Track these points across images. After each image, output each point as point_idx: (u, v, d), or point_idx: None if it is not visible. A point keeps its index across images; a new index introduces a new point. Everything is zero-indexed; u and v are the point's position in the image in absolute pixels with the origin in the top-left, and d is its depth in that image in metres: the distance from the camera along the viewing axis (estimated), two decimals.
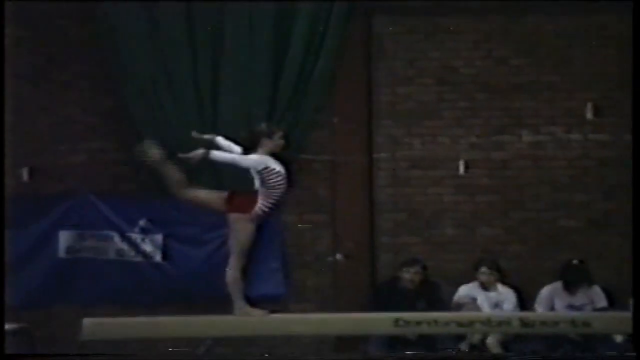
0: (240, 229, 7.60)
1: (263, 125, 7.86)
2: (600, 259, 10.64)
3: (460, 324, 7.95)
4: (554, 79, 10.86)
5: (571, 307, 10.15)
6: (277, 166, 7.59)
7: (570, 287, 10.26)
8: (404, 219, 11.07)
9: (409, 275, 10.47)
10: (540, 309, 10.20)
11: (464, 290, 10.43)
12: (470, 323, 7.97)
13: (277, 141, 7.69)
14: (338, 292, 10.83)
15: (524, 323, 7.81)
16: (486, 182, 10.96)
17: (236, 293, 7.65)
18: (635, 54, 8.06)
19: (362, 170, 11.01)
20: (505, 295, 10.40)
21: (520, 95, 10.90)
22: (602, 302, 10.26)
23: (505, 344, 10.08)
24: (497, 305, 10.35)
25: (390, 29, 11.01)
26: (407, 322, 7.83)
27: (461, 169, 10.92)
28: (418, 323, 7.86)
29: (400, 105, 11.07)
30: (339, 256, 10.85)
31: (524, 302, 10.48)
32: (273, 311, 7.85)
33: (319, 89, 10.71)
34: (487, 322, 7.98)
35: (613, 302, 10.35)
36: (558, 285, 10.30)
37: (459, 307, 10.21)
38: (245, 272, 7.68)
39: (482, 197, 10.96)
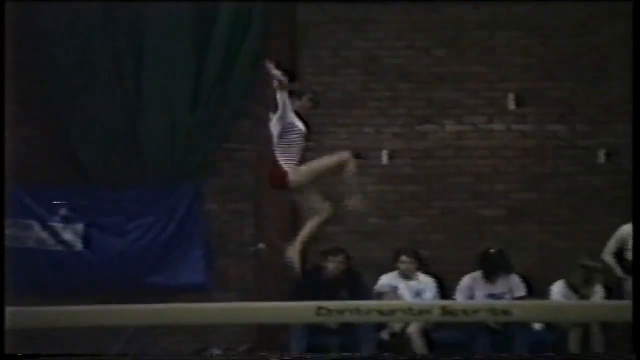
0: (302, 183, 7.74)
1: (295, 85, 7.86)
2: (520, 248, 10.75)
3: (381, 312, 7.96)
4: (476, 69, 10.95)
5: (491, 295, 10.23)
6: (299, 124, 7.68)
7: (489, 276, 10.35)
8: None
9: (332, 264, 10.50)
10: (460, 297, 10.29)
11: (386, 279, 10.49)
12: (392, 312, 7.98)
13: (304, 102, 7.80)
14: (261, 281, 10.82)
15: (445, 311, 7.83)
16: (409, 171, 11.02)
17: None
18: (635, 54, 8.12)
19: None
20: (426, 284, 10.47)
21: (443, 86, 10.97)
22: (521, 290, 10.38)
23: (426, 332, 10.17)
24: (418, 293, 10.41)
25: (315, 18, 11.01)
26: (329, 311, 7.82)
27: (385, 159, 10.97)
28: (340, 312, 7.86)
29: (325, 94, 11.06)
30: (262, 245, 10.84)
31: (445, 290, 10.57)
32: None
33: (244, 78, 10.69)
34: (409, 310, 7.99)
35: (532, 291, 10.48)
36: (478, 274, 10.39)
37: (380, 295, 10.28)
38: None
39: (405, 187, 11.02)
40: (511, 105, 10.84)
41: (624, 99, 10.70)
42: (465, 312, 7.86)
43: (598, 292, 10.22)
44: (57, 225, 10.61)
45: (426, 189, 11.02)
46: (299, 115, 7.70)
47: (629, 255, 10.37)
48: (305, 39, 11.01)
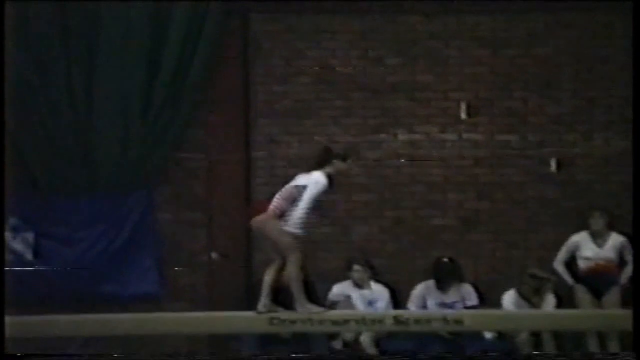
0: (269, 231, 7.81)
1: (340, 148, 8.09)
2: (472, 257, 10.80)
3: (334, 322, 8.00)
4: (428, 79, 10.99)
5: (443, 304, 10.27)
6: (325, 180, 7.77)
7: (442, 285, 10.38)
8: None
9: (284, 274, 10.47)
10: (413, 307, 10.31)
11: (338, 289, 10.49)
12: (344, 321, 8.03)
13: (344, 165, 7.93)
14: (213, 291, 10.78)
15: (397, 321, 7.88)
16: (362, 180, 11.02)
17: (297, 290, 7.84)
18: (636, 53, 8.18)
19: (239, 168, 10.99)
20: (379, 294, 10.48)
21: (396, 95, 10.99)
22: (473, 299, 10.42)
23: (378, 341, 10.18)
24: (370, 303, 10.42)
25: (268, 27, 11.01)
26: (282, 321, 7.85)
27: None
28: (292, 322, 7.88)
29: (278, 103, 11.08)
30: (214, 255, 10.81)
31: (398, 300, 10.58)
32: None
33: (196, 87, 10.66)
34: (361, 320, 8.04)
35: (483, 300, 10.53)
36: (430, 283, 10.42)
37: (333, 305, 10.27)
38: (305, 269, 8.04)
39: (357, 196, 11.02)
40: (463, 115, 10.88)
41: (574, 109, 10.83)
42: (417, 321, 7.91)
43: (549, 301, 10.29)
44: (7, 235, 10.50)
45: (379, 198, 11.04)
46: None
47: (579, 264, 10.47)
48: (259, 48, 11.00)
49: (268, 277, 7.99)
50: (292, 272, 7.85)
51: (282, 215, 7.77)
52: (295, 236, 7.81)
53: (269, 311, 7.88)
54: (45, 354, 8.05)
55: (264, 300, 7.92)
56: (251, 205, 7.88)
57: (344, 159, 7.88)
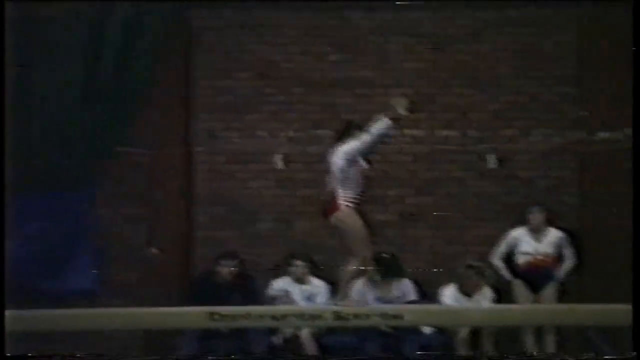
0: (347, 228, 7.82)
1: (359, 119, 7.94)
2: (412, 252, 10.86)
3: (274, 317, 8.02)
4: (370, 75, 11.02)
5: (383, 300, 10.32)
6: (361, 160, 7.73)
7: (382, 280, 10.42)
8: (222, 212, 11.07)
9: (225, 269, 10.49)
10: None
11: (279, 284, 10.50)
12: (284, 316, 8.04)
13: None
14: (153, 286, 10.72)
15: (337, 316, 7.90)
16: (304, 176, 11.03)
17: (345, 284, 7.89)
18: (636, 53, 8.23)
19: (180, 163, 10.96)
20: (319, 289, 10.50)
21: (338, 91, 11.01)
22: (413, 294, 10.48)
23: (318, 337, 10.20)
24: (310, 298, 10.45)
25: (209, 22, 10.99)
26: (222, 316, 7.85)
27: (279, 163, 10.99)
28: (232, 317, 7.88)
29: (219, 98, 11.06)
30: (154, 250, 10.75)
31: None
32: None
33: (137, 83, 10.59)
34: (301, 315, 8.06)
35: (424, 295, 10.59)
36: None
37: (273, 300, 10.28)
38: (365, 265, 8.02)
39: (299, 191, 11.03)
40: (400, 110, 10.89)
41: (513, 106, 10.91)
42: (357, 316, 7.92)
43: (486, 295, 10.36)
44: None
45: (319, 194, 11.03)
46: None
47: (518, 259, 10.56)
48: (200, 43, 10.97)
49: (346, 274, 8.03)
50: (352, 270, 7.90)
51: (354, 204, 7.73)
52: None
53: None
54: (45, 354, 8.03)
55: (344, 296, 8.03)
56: (324, 203, 7.87)
57: (363, 129, 7.80)
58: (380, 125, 7.65)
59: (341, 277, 7.98)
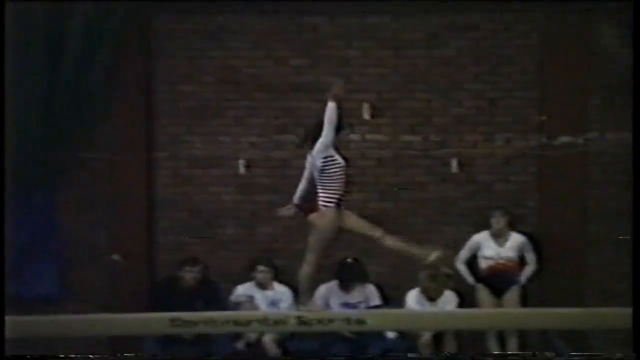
0: (317, 228, 7.75)
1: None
2: (376, 256, 10.85)
3: (237, 323, 7.97)
4: (332, 80, 10.97)
5: (346, 305, 10.32)
6: (339, 157, 7.64)
7: (345, 285, 10.44)
8: (184, 218, 11.04)
9: (188, 275, 10.45)
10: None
11: (242, 289, 10.49)
12: (248, 322, 8.00)
13: (342, 136, 7.77)
14: (115, 292, 10.69)
15: (301, 321, 7.87)
16: (266, 181, 11.02)
17: (305, 289, 7.87)
18: (636, 53, 8.24)
19: (141, 168, 10.92)
20: (282, 294, 10.49)
21: (300, 96, 10.99)
22: (376, 299, 10.49)
23: (282, 342, 10.19)
24: (274, 303, 10.43)
25: (170, 27, 10.95)
26: (184, 322, 7.80)
27: (241, 169, 10.97)
28: (195, 323, 7.84)
29: (181, 103, 11.02)
30: (116, 256, 10.71)
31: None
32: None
33: (98, 87, 10.55)
34: (264, 320, 8.01)
35: (387, 300, 10.60)
36: (334, 283, 10.46)
37: (236, 306, 10.26)
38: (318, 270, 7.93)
39: (262, 197, 11.01)
40: (366, 115, 10.93)
41: (475, 110, 10.95)
42: (320, 321, 7.90)
43: (449, 299, 10.39)
44: None
45: (283, 199, 11.00)
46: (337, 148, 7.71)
47: (480, 263, 10.60)
48: (161, 48, 10.93)
49: (308, 273, 7.95)
50: (309, 271, 7.91)
51: (335, 204, 7.70)
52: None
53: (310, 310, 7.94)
54: (45, 354, 8.01)
55: (305, 298, 7.98)
56: (305, 203, 7.83)
57: (337, 130, 7.75)
58: (328, 111, 7.62)
59: (300, 281, 7.94)
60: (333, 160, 7.63)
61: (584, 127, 10.78)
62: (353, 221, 7.86)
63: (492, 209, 10.68)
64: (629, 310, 7.62)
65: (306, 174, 7.92)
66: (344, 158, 7.71)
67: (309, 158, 7.79)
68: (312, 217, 7.75)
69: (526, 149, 10.89)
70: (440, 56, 10.91)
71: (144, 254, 10.85)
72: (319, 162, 7.65)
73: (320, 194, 7.70)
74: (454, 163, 10.89)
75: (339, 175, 7.67)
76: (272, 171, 11.02)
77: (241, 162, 10.97)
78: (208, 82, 11.02)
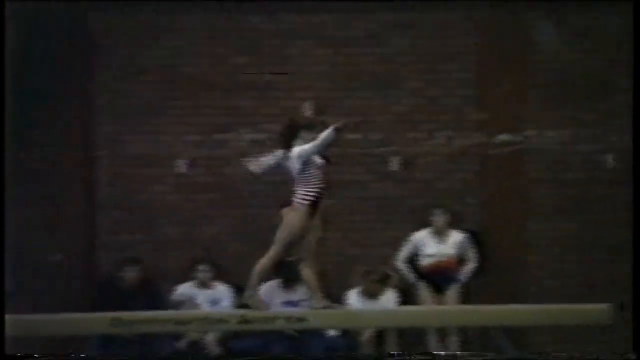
0: (285, 222, 7.69)
1: (303, 118, 7.86)
2: (319, 255, 10.84)
3: (178, 322, 7.94)
4: (273, 78, 11.00)
5: (289, 303, 10.32)
6: (317, 159, 7.59)
7: (287, 283, 10.43)
8: (125, 217, 10.98)
9: (129, 274, 10.41)
10: None
11: (183, 289, 10.46)
12: (189, 321, 7.97)
13: (316, 135, 7.63)
14: (56, 292, 10.61)
15: (242, 320, 7.86)
16: (208, 180, 11.01)
17: (255, 281, 7.81)
18: (636, 53, 8.26)
19: (81, 167, 10.85)
20: (224, 293, 10.48)
21: (241, 94, 10.99)
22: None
23: (223, 341, 10.17)
24: (215, 302, 10.42)
25: (110, 26, 10.89)
26: (125, 322, 7.75)
27: (183, 167, 10.93)
28: (136, 322, 7.80)
29: (122, 102, 10.96)
30: (57, 256, 10.64)
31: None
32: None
33: (36, 87, 10.46)
34: (205, 319, 8.00)
35: (330, 297, 10.57)
36: (276, 282, 10.45)
37: (178, 305, 10.23)
38: (277, 266, 7.93)
39: (203, 195, 11.00)
40: (308, 113, 10.93)
41: (416, 108, 11.00)
42: (262, 320, 7.90)
43: (391, 297, 10.43)
44: None
45: (224, 197, 11.02)
46: None
47: (421, 261, 10.64)
48: (102, 47, 10.86)
49: (309, 275, 7.93)
50: (265, 266, 7.87)
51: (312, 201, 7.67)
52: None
53: (325, 307, 7.90)
54: (45, 354, 7.92)
55: (317, 296, 7.94)
56: (283, 201, 7.79)
57: (310, 129, 7.73)
58: (326, 133, 7.59)
59: (252, 272, 7.92)
60: (312, 163, 7.63)
61: (523, 125, 10.87)
62: (298, 226, 7.80)
63: (433, 207, 10.73)
64: (605, 306, 7.78)
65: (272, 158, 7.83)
66: (325, 157, 7.70)
67: (278, 153, 7.74)
68: (284, 211, 7.71)
69: (466, 147, 10.96)
70: (381, 54, 10.95)
71: (84, 254, 10.78)
72: (298, 165, 7.61)
73: (298, 192, 7.66)
74: (394, 161, 10.94)
75: (316, 175, 7.64)
76: (213, 170, 10.99)
77: (182, 161, 10.93)
78: (148, 80, 10.98)
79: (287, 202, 7.76)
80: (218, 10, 10.87)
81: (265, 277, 8.13)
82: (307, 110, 10.91)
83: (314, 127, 7.75)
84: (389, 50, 10.95)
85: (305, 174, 7.63)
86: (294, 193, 7.70)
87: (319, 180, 7.67)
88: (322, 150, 7.60)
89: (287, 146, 7.71)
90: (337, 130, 7.49)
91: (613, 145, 10.76)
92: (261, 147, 10.91)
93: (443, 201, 10.83)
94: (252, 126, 11.04)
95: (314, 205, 7.68)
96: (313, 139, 7.64)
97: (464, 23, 10.93)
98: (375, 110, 10.97)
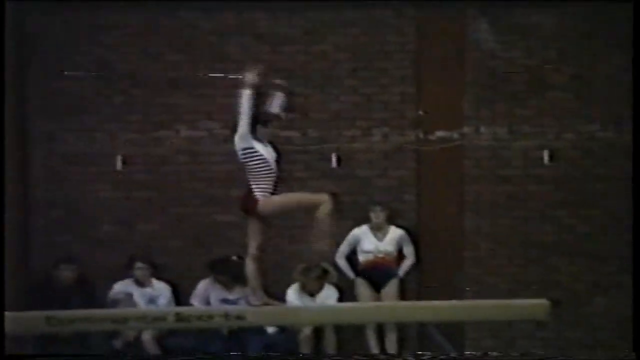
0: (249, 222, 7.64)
1: (259, 112, 7.64)
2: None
3: (114, 320, 7.88)
4: (209, 75, 10.95)
5: (226, 301, 10.29)
6: (260, 149, 7.50)
7: (225, 281, 10.41)
8: (59, 216, 10.86)
9: (65, 273, 10.32)
10: (196, 303, 10.29)
11: (119, 287, 10.40)
12: (125, 319, 7.92)
13: (271, 129, 7.63)
14: None
15: (179, 318, 7.83)
16: (144, 177, 10.93)
17: (254, 283, 7.75)
18: (636, 53, 8.25)
19: (15, 166, 10.69)
20: (161, 291, 10.45)
21: (177, 91, 10.92)
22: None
23: (160, 339, 10.12)
24: (152, 300, 10.37)
25: (44, 23, 10.77)
26: (60, 321, 7.68)
27: (119, 165, 10.85)
28: (71, 321, 7.73)
29: (55, 100, 10.85)
30: None
31: (181, 297, 10.54)
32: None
33: None
34: (142, 318, 7.96)
35: (269, 295, 10.55)
36: (212, 279, 10.43)
37: (114, 303, 10.16)
38: (261, 261, 7.81)
39: (140, 193, 10.93)
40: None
41: (353, 106, 11.01)
42: (199, 318, 7.87)
43: (329, 294, 10.44)
44: None
45: (161, 195, 10.95)
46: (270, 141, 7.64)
47: (360, 257, 10.66)
48: (36, 43, 10.74)
49: (252, 269, 7.79)
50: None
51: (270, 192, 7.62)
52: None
53: (264, 304, 7.83)
54: (45, 354, 7.98)
55: (259, 293, 7.81)
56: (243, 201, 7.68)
57: (264, 124, 7.65)
58: (243, 99, 7.54)
59: (248, 278, 7.87)
60: (252, 153, 7.53)
61: (459, 122, 10.93)
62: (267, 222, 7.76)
63: (371, 203, 10.76)
64: (540, 302, 7.84)
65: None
66: (277, 151, 7.64)
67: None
68: (260, 208, 7.61)
69: (403, 144, 10.99)
70: (318, 52, 10.94)
71: (19, 253, 10.64)
72: (239, 154, 7.55)
73: (253, 187, 7.60)
74: (332, 158, 10.94)
75: (263, 168, 7.58)
76: (150, 167, 10.92)
77: (118, 158, 10.84)
78: (83, 78, 10.86)
79: (249, 201, 7.67)
80: (154, 7, 10.79)
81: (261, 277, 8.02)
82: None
83: (268, 122, 7.71)
84: (326, 47, 10.95)
85: (250, 167, 7.58)
86: (252, 188, 7.61)
87: (268, 174, 7.62)
88: (249, 122, 7.50)
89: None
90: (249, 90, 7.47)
91: (549, 142, 10.85)
92: (197, 145, 10.95)
93: (381, 198, 10.86)
94: (188, 124, 10.98)
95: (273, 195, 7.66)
96: (268, 133, 7.63)
97: (401, 20, 10.95)
98: (313, 108, 10.96)
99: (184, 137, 10.97)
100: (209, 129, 11.02)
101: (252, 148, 7.53)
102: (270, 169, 7.62)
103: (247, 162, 7.55)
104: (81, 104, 10.87)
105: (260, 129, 7.62)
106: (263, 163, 7.57)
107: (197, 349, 9.93)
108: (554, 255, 10.85)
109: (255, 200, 7.59)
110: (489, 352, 10.09)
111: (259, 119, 7.61)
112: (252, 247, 7.78)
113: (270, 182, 7.63)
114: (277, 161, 7.69)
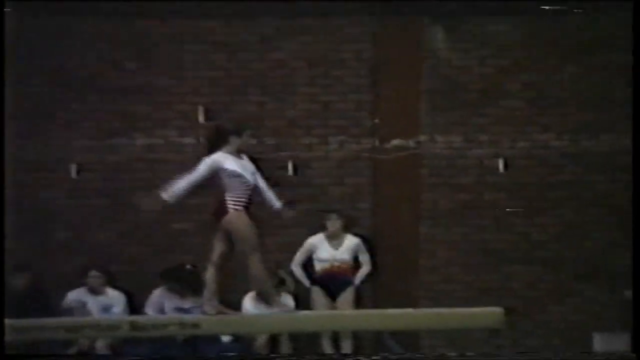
0: (236, 229, 7.68)
1: (231, 123, 7.76)
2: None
3: (68, 329, 7.85)
4: (166, 83, 10.93)
5: (181, 309, 10.26)
6: (231, 166, 7.55)
7: (180, 290, 10.37)
8: (13, 222, 10.76)
9: (18, 281, 10.26)
10: (150, 311, 10.25)
11: (73, 295, 10.35)
12: (79, 328, 7.89)
13: (245, 139, 7.64)
14: None
15: (134, 326, 7.81)
16: (100, 185, 10.88)
17: (266, 290, 7.89)
18: (636, 54, 8.24)
19: None
20: (115, 299, 10.40)
21: (134, 98, 10.89)
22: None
23: (115, 347, 10.07)
24: (106, 309, 10.32)
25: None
26: (13, 329, 7.62)
27: (73, 172, 10.80)
28: (25, 329, 7.68)
29: (10, 105, 10.74)
30: None
31: (136, 305, 10.49)
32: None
33: None
34: (97, 326, 7.93)
35: (224, 303, 10.54)
36: (167, 288, 10.40)
37: (68, 311, 10.10)
38: (221, 270, 7.84)
39: (95, 201, 10.87)
40: (201, 118, 10.88)
41: (310, 113, 11.02)
42: (154, 326, 7.85)
43: (286, 301, 10.43)
44: None
45: (117, 203, 10.89)
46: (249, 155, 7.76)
47: (315, 266, 10.66)
48: None
49: (211, 278, 7.82)
50: (259, 270, 7.79)
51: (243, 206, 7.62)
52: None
53: (218, 312, 7.82)
54: (45, 354, 7.97)
55: (213, 302, 7.80)
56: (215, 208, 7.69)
57: (238, 134, 7.66)
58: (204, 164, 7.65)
59: (257, 286, 7.86)
60: (222, 172, 7.65)
61: (415, 130, 10.97)
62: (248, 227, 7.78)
63: (327, 211, 10.77)
64: (495, 310, 7.90)
65: (194, 177, 7.77)
66: (254, 162, 7.75)
67: (205, 162, 7.68)
68: (225, 221, 7.67)
69: (359, 152, 11.01)
70: (274, 59, 10.95)
71: None
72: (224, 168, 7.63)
73: (227, 197, 7.62)
74: (289, 166, 10.94)
75: (234, 182, 7.66)
76: (105, 175, 10.87)
77: (73, 165, 10.79)
78: (38, 84, 10.80)
79: (221, 210, 7.67)
80: (111, 14, 10.75)
81: (270, 282, 8.10)
82: (201, 115, 10.86)
83: (242, 132, 7.72)
84: (282, 55, 10.96)
85: (231, 179, 7.61)
86: (225, 199, 7.60)
87: (244, 186, 7.63)
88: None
89: (215, 152, 7.70)
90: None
91: (504, 150, 10.92)
92: (153, 153, 10.91)
93: (337, 206, 10.87)
94: (144, 131, 10.94)
95: (246, 209, 7.70)
96: (242, 143, 7.65)
97: (356, 27, 10.98)
98: (269, 115, 10.96)
99: (140, 144, 10.93)
100: (165, 136, 10.99)
101: (220, 169, 7.63)
102: (243, 182, 7.69)
103: (222, 178, 7.66)
104: (37, 111, 10.80)
105: (234, 140, 7.68)
106: (234, 177, 7.62)
107: (153, 356, 9.89)
108: (509, 262, 10.92)
109: (225, 212, 7.62)
110: (445, 353, 10.17)
111: (230, 131, 7.65)
112: (216, 254, 7.81)
113: (244, 194, 7.72)
114: (255, 173, 7.74)
